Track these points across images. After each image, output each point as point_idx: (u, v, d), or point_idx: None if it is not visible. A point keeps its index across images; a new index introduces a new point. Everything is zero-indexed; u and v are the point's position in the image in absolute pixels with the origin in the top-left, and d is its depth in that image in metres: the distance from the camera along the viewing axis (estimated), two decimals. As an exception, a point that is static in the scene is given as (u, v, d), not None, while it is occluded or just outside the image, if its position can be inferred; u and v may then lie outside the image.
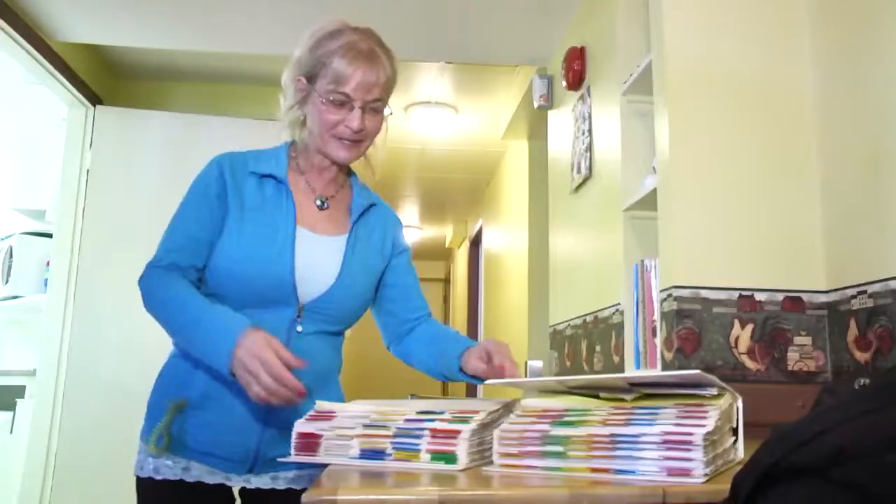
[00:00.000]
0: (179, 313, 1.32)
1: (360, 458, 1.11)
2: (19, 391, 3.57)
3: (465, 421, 1.09)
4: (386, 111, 1.44)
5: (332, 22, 1.43)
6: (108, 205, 3.62)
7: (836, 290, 1.86)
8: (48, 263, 3.62)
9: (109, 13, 3.17)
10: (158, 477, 1.35)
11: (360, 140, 1.42)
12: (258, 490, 1.40)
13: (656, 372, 1.98)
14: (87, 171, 3.64)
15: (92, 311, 3.51)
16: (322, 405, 1.20)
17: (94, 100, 3.74)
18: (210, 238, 1.38)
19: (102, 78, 3.90)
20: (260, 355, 1.19)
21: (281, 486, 1.41)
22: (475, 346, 1.40)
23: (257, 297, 1.35)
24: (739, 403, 1.01)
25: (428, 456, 1.06)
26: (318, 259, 1.40)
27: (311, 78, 1.40)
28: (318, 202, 1.47)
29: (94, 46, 3.68)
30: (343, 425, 1.14)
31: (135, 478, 1.38)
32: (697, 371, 0.93)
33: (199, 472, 1.36)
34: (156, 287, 1.36)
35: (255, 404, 1.28)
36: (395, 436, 1.11)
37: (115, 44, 3.58)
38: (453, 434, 1.07)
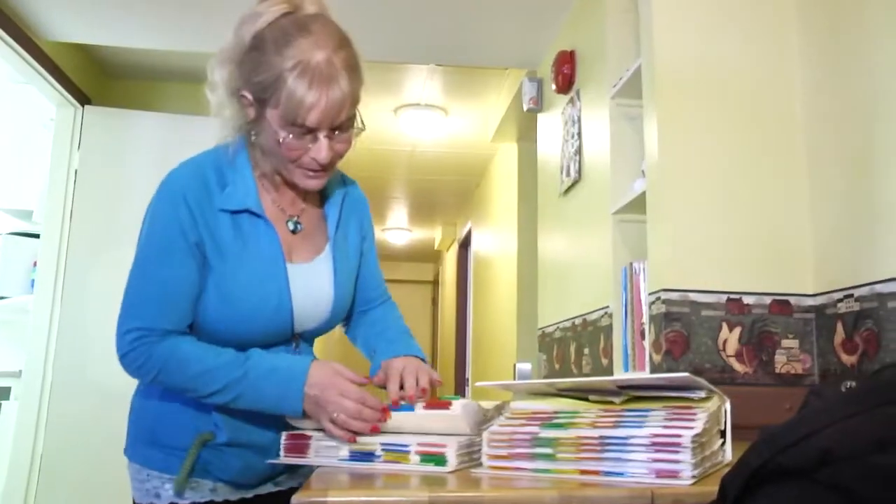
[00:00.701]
0: (220, 376, 1.17)
1: (350, 459, 1.11)
2: (4, 392, 3.55)
3: (454, 423, 1.09)
4: (357, 124, 1.23)
5: (274, 8, 1.17)
6: (96, 206, 3.60)
7: (823, 293, 1.87)
8: (35, 264, 3.60)
9: (98, 12, 3.15)
10: (184, 502, 1.26)
11: (330, 166, 1.23)
12: (265, 494, 1.37)
13: (645, 374, 1.98)
14: (76, 171, 3.62)
15: (79, 313, 3.49)
16: None
17: (83, 99, 3.72)
18: (198, 293, 1.21)
19: (91, 77, 3.87)
20: (336, 384, 1.14)
21: (284, 487, 1.37)
22: (397, 358, 1.30)
23: (253, 345, 1.24)
24: (727, 406, 1.02)
25: (417, 458, 1.06)
26: (310, 293, 1.29)
27: (261, 100, 1.17)
28: (291, 225, 1.31)
29: (82, 46, 3.65)
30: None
31: None
32: (686, 374, 0.93)
33: (225, 492, 1.30)
34: (168, 362, 1.18)
35: (274, 426, 1.24)
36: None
37: (105, 43, 3.56)
38: (443, 436, 1.07)
